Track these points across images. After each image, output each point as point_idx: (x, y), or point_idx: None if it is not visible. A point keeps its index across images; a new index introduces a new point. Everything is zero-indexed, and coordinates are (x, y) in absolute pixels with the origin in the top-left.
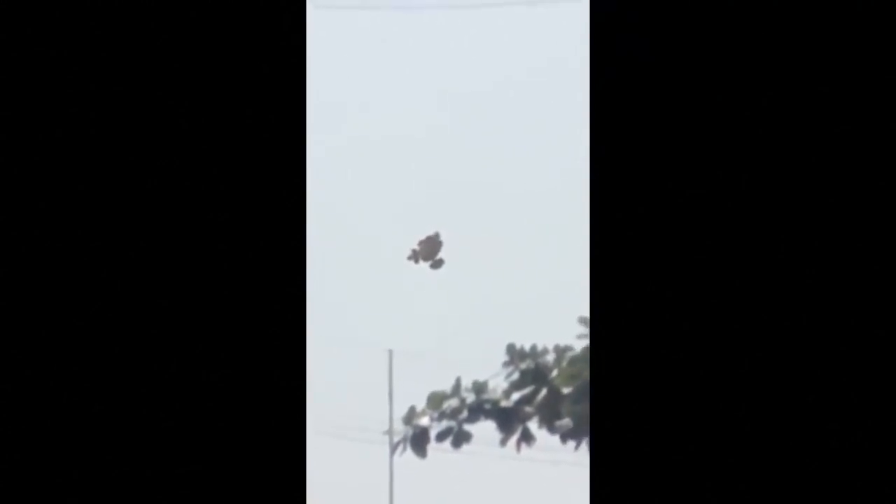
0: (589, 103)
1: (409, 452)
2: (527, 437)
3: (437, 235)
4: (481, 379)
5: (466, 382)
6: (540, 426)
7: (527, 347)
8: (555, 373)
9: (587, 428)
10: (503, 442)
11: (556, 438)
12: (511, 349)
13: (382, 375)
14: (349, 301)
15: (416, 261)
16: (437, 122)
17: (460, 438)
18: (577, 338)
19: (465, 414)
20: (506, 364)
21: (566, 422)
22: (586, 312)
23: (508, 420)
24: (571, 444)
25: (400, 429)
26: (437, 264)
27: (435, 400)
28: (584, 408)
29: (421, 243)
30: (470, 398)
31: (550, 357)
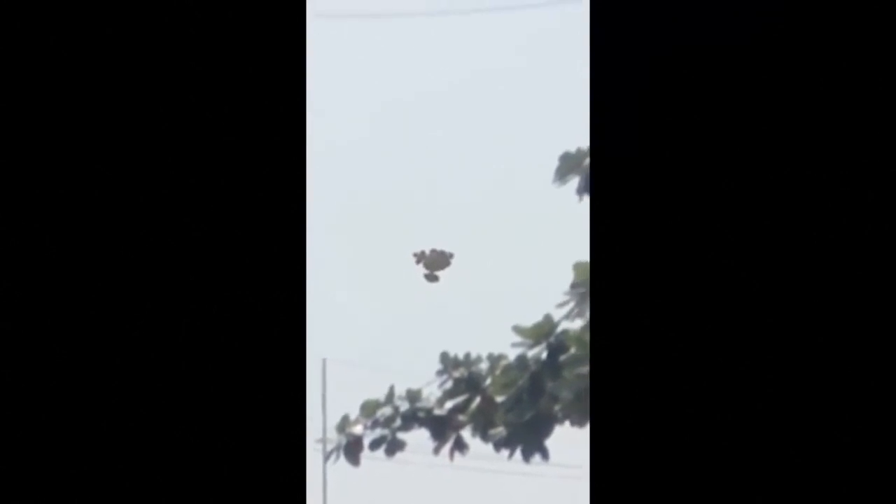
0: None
1: (343, 461)
2: (460, 446)
3: (450, 255)
4: (415, 387)
5: (400, 391)
6: (473, 434)
7: (460, 356)
8: (488, 381)
9: (520, 436)
10: (436, 450)
11: (489, 447)
12: (445, 358)
13: (316, 384)
14: None
15: (418, 262)
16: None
17: (394, 446)
18: (511, 346)
19: (398, 422)
20: (439, 372)
21: (500, 430)
22: (521, 321)
23: (442, 428)
24: (505, 452)
25: (333, 437)
26: (433, 278)
27: (368, 408)
28: (518, 416)
29: (433, 252)
30: (403, 406)
31: (484, 366)
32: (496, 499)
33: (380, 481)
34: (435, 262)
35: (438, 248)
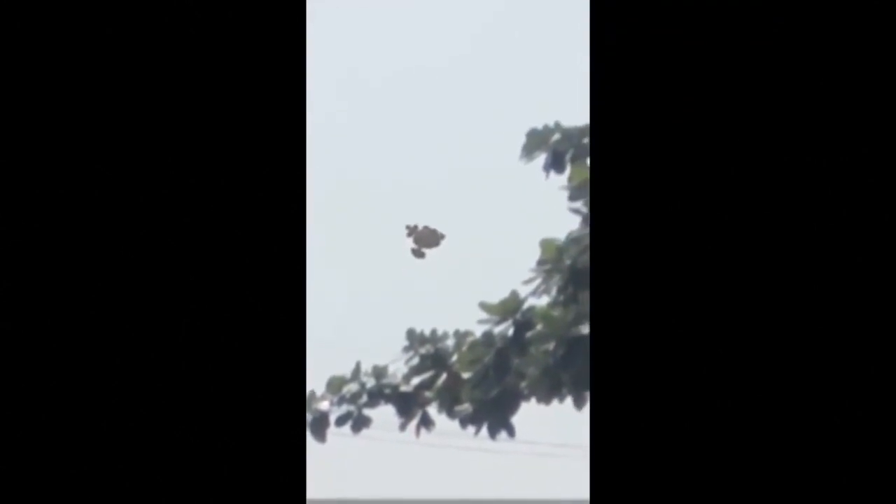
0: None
1: (309, 437)
2: (426, 422)
3: (442, 235)
4: (381, 364)
5: (366, 367)
6: (440, 411)
7: (427, 332)
8: (455, 358)
9: (486, 413)
10: (403, 426)
11: (455, 423)
12: (411, 334)
13: None
14: None
15: (409, 235)
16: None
17: (360, 423)
18: (477, 323)
19: (364, 398)
20: (406, 349)
21: (466, 407)
22: (487, 297)
23: (408, 405)
24: (471, 428)
25: None
26: (420, 254)
27: (334, 384)
28: (484, 393)
29: (425, 228)
30: (370, 383)
31: (450, 342)
32: (462, 475)
33: (346, 457)
34: (425, 239)
35: (431, 226)
